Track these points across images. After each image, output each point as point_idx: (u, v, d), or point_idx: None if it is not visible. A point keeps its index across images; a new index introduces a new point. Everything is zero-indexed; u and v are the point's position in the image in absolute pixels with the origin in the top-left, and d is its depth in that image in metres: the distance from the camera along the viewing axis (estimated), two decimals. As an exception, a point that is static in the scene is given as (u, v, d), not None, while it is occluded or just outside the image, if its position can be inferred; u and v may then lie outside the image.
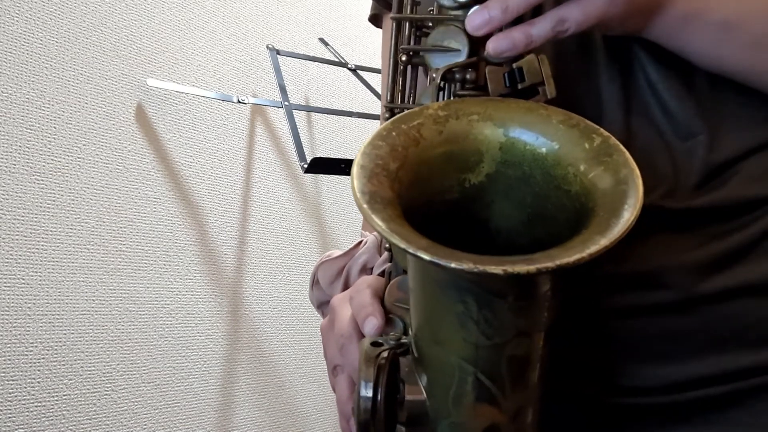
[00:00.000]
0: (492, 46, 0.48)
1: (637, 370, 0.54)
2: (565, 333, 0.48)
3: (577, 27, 0.48)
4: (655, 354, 0.54)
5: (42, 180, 1.30)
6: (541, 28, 0.48)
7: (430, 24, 0.53)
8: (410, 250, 0.37)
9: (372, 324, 0.52)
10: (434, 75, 0.51)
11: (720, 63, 0.54)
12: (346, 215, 1.91)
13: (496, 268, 0.36)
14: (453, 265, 0.36)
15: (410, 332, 0.50)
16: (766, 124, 0.56)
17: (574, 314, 0.53)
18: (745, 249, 0.54)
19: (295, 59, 1.74)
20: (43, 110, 1.31)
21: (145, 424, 1.44)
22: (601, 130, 0.45)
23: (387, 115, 0.55)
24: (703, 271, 0.53)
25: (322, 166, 1.48)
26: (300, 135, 1.54)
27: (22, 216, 1.27)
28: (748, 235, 0.54)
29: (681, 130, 0.55)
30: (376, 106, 1.77)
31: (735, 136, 0.55)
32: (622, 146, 0.43)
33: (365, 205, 0.40)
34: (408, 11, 0.54)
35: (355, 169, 0.42)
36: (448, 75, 0.51)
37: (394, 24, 0.54)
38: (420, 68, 0.55)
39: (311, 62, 1.75)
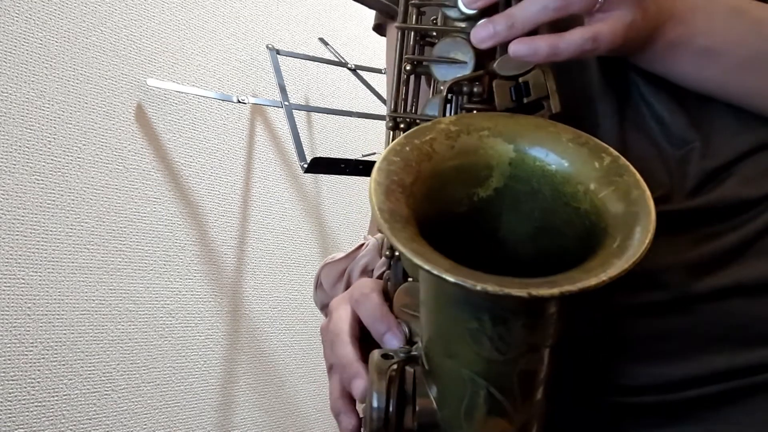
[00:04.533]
0: (512, 49, 0.48)
1: (632, 369, 0.54)
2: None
3: (606, 47, 0.48)
4: (650, 353, 0.54)
5: (42, 180, 1.30)
6: (570, 42, 0.48)
7: (435, 34, 0.53)
8: (434, 272, 0.38)
9: (394, 343, 0.52)
10: (441, 87, 0.51)
11: (703, 86, 0.55)
12: (346, 215, 1.91)
13: (520, 291, 0.37)
14: (478, 287, 0.37)
15: (420, 343, 0.50)
16: (757, 127, 0.56)
17: (570, 314, 0.53)
18: (739, 249, 0.54)
19: (295, 59, 1.73)
20: (43, 110, 1.31)
21: (145, 424, 1.44)
22: (610, 149, 0.45)
23: (390, 124, 0.55)
24: (697, 271, 0.53)
25: (322, 166, 1.48)
26: (300, 135, 1.54)
27: (22, 216, 1.27)
28: (742, 235, 0.54)
29: (675, 140, 0.56)
30: (376, 106, 1.77)
31: (728, 141, 0.56)
32: (632, 167, 0.44)
33: (386, 225, 0.40)
34: (413, 21, 0.54)
35: (372, 185, 0.42)
36: (454, 87, 0.51)
37: (398, 33, 0.54)
38: (423, 78, 0.56)
39: (311, 62, 1.75)
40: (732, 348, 0.53)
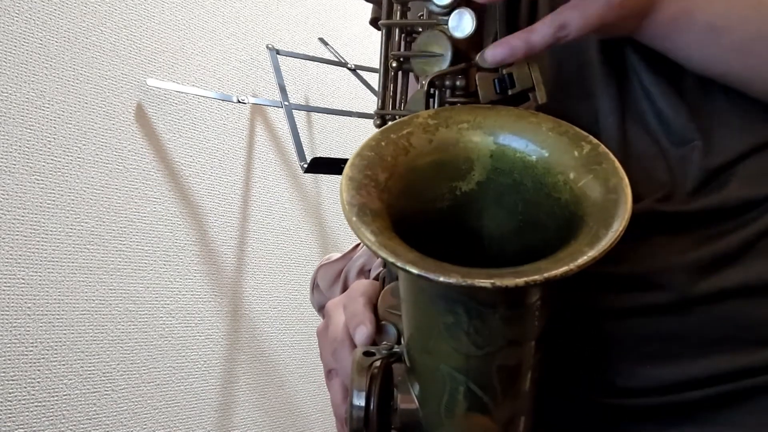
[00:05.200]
0: (490, 54, 0.48)
1: (632, 370, 0.54)
2: (561, 333, 0.48)
3: (577, 32, 0.48)
4: (651, 355, 0.54)
5: (42, 180, 1.30)
6: (541, 34, 0.48)
7: (420, 30, 0.53)
8: (399, 264, 0.37)
9: (362, 332, 0.52)
10: (423, 82, 0.51)
11: (706, 65, 0.54)
12: (347, 215, 1.90)
13: (484, 281, 0.36)
14: (441, 279, 0.36)
15: (402, 341, 0.50)
16: (759, 126, 0.56)
17: (570, 315, 0.53)
18: (740, 250, 0.54)
19: (295, 59, 1.73)
20: (43, 110, 1.31)
21: (145, 424, 1.44)
22: (590, 137, 0.45)
23: (378, 122, 0.55)
24: (698, 272, 0.53)
25: (322, 165, 1.48)
26: (300, 135, 1.54)
27: (22, 216, 1.27)
28: (744, 236, 0.54)
29: (676, 137, 0.55)
30: (375, 106, 1.77)
31: (729, 140, 0.55)
32: (611, 154, 0.43)
33: (354, 218, 0.40)
34: (397, 17, 0.54)
35: (343, 181, 0.42)
36: (437, 81, 0.51)
37: (383, 30, 0.54)
38: (411, 74, 0.55)
39: (311, 62, 1.75)
40: (733, 349, 0.53)
